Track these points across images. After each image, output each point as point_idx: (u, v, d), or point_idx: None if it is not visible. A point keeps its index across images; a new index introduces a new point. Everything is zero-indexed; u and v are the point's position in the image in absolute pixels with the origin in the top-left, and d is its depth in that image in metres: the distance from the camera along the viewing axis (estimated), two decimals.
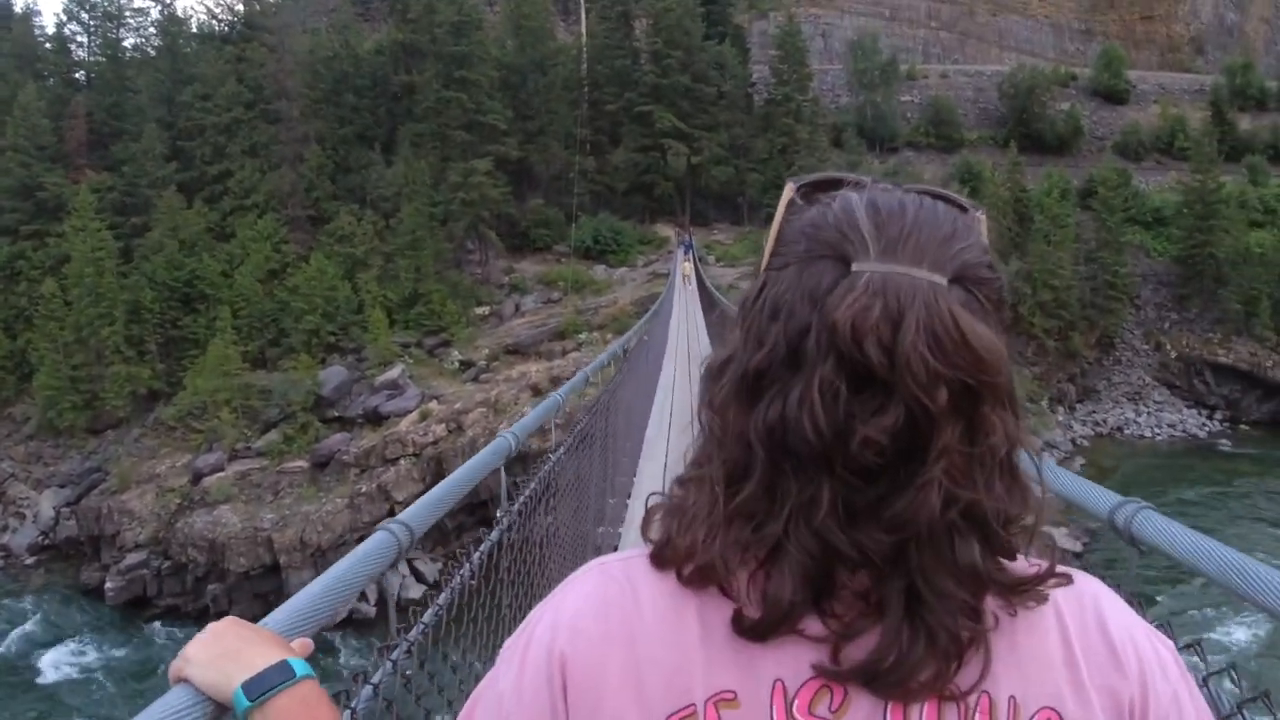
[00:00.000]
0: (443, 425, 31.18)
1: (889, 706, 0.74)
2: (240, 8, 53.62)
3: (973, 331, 0.73)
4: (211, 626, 1.07)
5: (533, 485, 2.98)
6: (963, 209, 0.83)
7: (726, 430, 0.79)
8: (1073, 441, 43.14)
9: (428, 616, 1.82)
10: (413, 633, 1.73)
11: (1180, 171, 55.70)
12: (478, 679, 0.94)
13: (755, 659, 0.76)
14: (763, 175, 50.96)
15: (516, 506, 2.61)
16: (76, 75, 54.26)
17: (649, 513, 0.85)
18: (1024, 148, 56.62)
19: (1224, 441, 45.09)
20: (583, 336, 38.51)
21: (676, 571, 0.79)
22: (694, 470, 0.83)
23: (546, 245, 48.10)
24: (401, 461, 30.01)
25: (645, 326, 13.09)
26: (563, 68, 53.50)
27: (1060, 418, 45.16)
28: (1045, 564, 0.80)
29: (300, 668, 1.00)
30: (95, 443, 37.79)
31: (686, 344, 20.24)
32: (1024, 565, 0.79)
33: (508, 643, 0.86)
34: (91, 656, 25.95)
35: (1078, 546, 26.06)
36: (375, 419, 32.96)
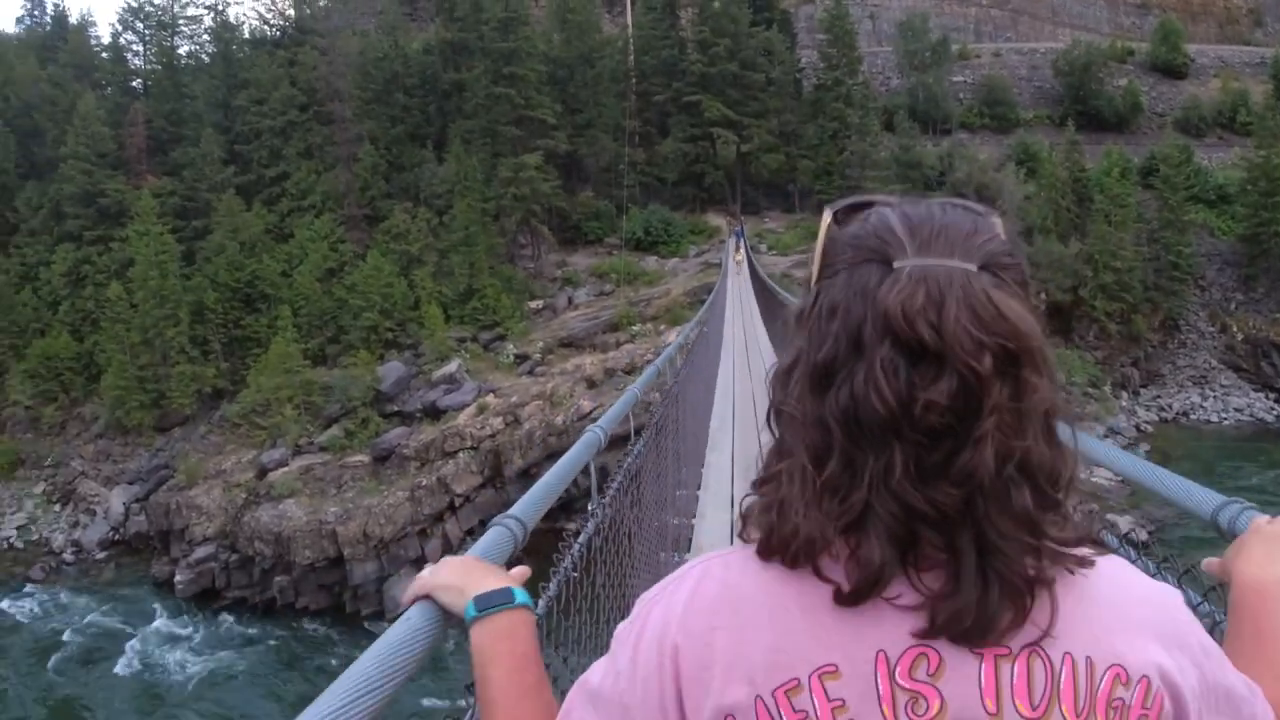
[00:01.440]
0: (500, 418, 31.43)
1: (982, 667, 0.83)
2: (291, 12, 54.52)
3: (1006, 305, 0.84)
4: (448, 559, 1.31)
5: (619, 477, 2.98)
6: (979, 212, 0.95)
7: (805, 420, 0.88)
8: (1136, 427, 42.12)
9: (540, 607, 1.73)
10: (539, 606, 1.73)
11: (1244, 147, 54.12)
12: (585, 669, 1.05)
13: (856, 632, 0.84)
14: (814, 162, 50.51)
15: (608, 498, 2.59)
16: (134, 84, 55.57)
17: (745, 515, 0.94)
18: (1081, 126, 55.36)
19: None
20: (636, 328, 38.52)
21: (780, 556, 0.88)
22: (776, 465, 0.92)
23: (598, 238, 48.18)
24: (460, 455, 30.32)
25: (703, 318, 13.02)
26: (609, 60, 53.47)
27: (1124, 403, 44.19)
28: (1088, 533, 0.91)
29: (520, 596, 1.19)
30: (162, 440, 38.74)
31: (743, 334, 20.04)
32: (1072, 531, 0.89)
33: (620, 630, 0.96)
34: (164, 647, 26.60)
35: (1143, 535, 25.49)
36: (433, 413, 33.32)
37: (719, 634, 0.87)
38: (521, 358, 37.53)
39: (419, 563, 28.06)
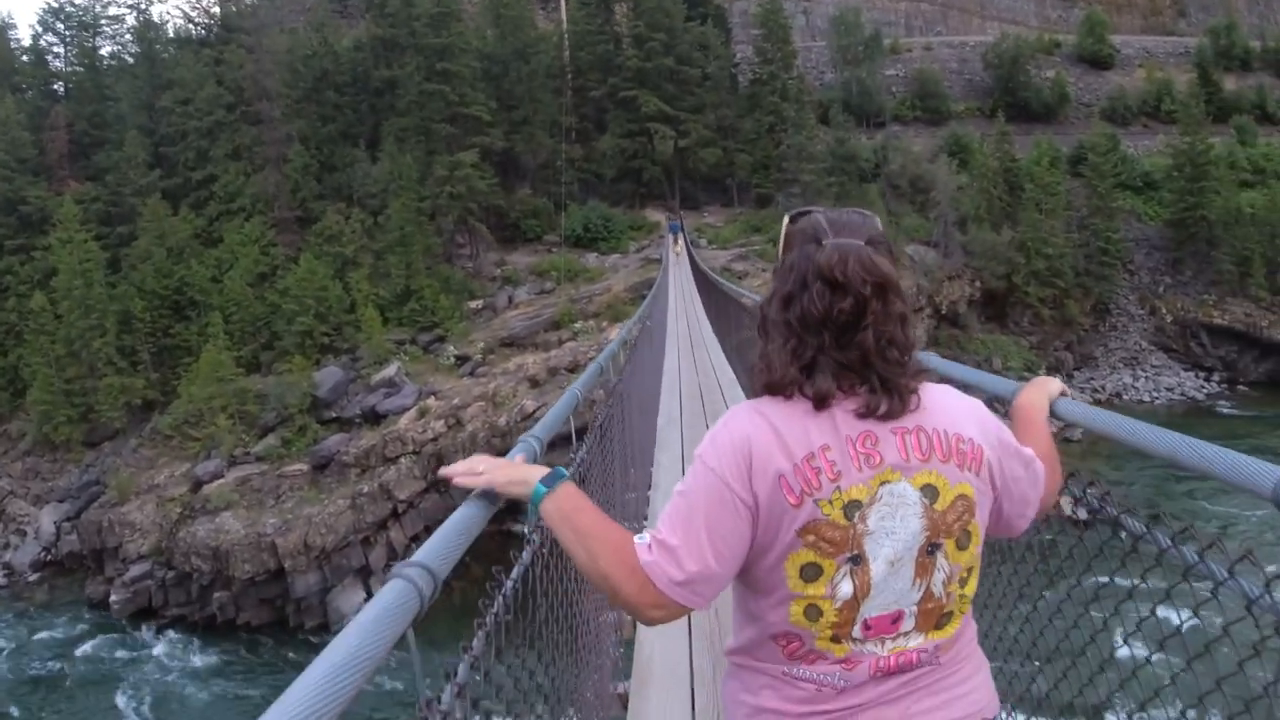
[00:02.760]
0: (442, 421, 31.00)
1: (895, 436, 1.60)
2: (216, 10, 53.09)
3: (879, 261, 1.61)
4: (482, 459, 1.86)
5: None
6: (866, 215, 1.71)
7: (780, 322, 1.66)
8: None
9: (461, 673, 1.55)
10: (444, 698, 1.46)
11: (1169, 135, 55.66)
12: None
13: (832, 424, 1.59)
14: (751, 156, 50.72)
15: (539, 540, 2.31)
16: (55, 86, 53.77)
17: (754, 375, 1.69)
18: (1011, 117, 56.53)
19: (1223, 403, 45.05)
20: (578, 326, 38.30)
21: (778, 393, 1.64)
22: (763, 349, 1.68)
23: (537, 236, 47.79)
24: (402, 460, 29.82)
25: (645, 312, 12.80)
26: (545, 56, 53.08)
27: None
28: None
29: (564, 472, 1.79)
30: (92, 455, 37.57)
31: (688, 329, 19.79)
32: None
33: (701, 449, 1.64)
34: (102, 669, 25.80)
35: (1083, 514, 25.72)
36: (373, 418, 32.75)
37: (767, 434, 1.59)
38: (462, 359, 37.08)
39: (362, 572, 27.57)
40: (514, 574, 1.97)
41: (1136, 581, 2.10)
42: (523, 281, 44.05)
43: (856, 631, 1.60)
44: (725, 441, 1.61)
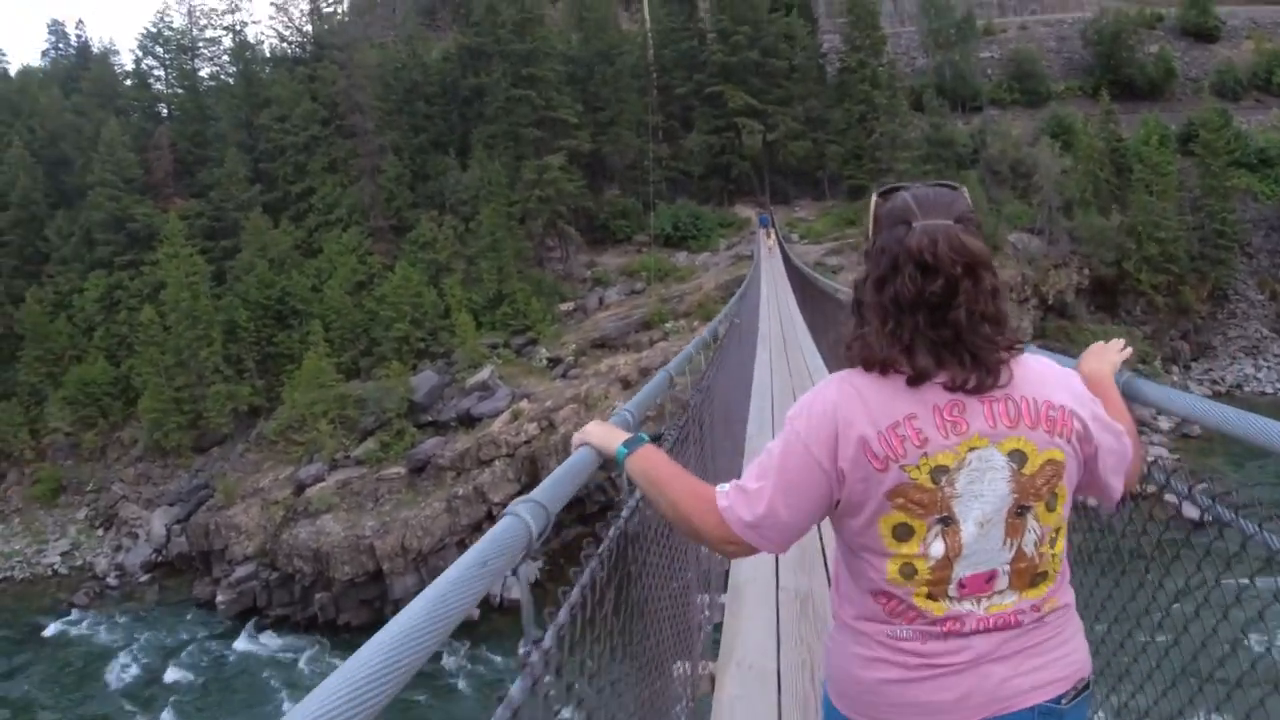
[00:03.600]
0: (535, 424, 30.94)
1: (983, 405, 1.67)
2: (309, 28, 54.37)
3: (968, 241, 1.66)
4: (595, 423, 2.19)
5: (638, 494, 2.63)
6: (956, 190, 1.75)
7: (875, 304, 1.70)
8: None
9: (562, 616, 1.69)
10: (547, 638, 1.57)
11: None
12: (614, 686, 1.97)
13: (921, 397, 1.67)
14: (842, 147, 49.58)
15: (635, 500, 2.45)
16: (158, 108, 55.80)
17: (848, 351, 1.75)
18: (1114, 96, 54.00)
19: None
20: (669, 325, 37.93)
21: (874, 369, 1.70)
22: (859, 332, 1.74)
23: (626, 236, 47.60)
24: (496, 463, 29.85)
25: (734, 309, 12.02)
26: (629, 56, 52.92)
27: (1175, 377, 42.87)
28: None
29: (645, 437, 2.08)
30: (201, 460, 38.75)
31: (780, 327, 18.72)
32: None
33: (791, 413, 1.76)
34: (209, 667, 26.44)
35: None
36: (468, 421, 32.91)
37: (854, 402, 1.68)
38: (554, 361, 37.05)
39: None
40: (603, 546, 2.06)
41: (1244, 581, 2.06)
42: (613, 283, 43.88)
43: (952, 590, 1.70)
44: (812, 408, 1.73)
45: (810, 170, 51.41)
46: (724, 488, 1.81)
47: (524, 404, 32.40)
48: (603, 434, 2.12)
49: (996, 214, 45.20)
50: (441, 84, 51.15)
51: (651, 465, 1.97)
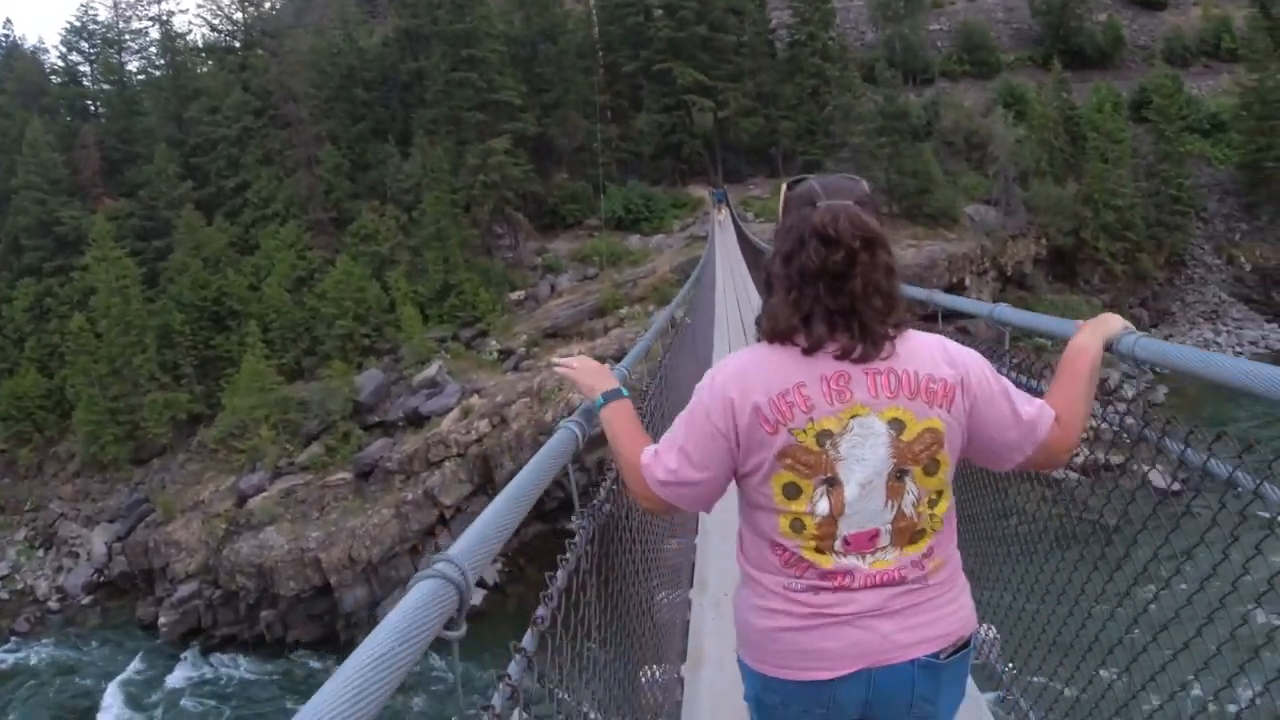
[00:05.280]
0: (485, 420, 29.64)
1: (867, 377, 1.80)
2: (239, 16, 52.22)
3: (866, 218, 1.81)
4: (583, 360, 2.43)
5: (608, 483, 2.59)
6: (855, 180, 1.91)
7: (781, 276, 1.85)
8: (1152, 370, 40.17)
9: (527, 642, 1.65)
10: (525, 640, 1.64)
11: (1233, 73, 52.33)
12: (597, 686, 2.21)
13: (812, 366, 1.81)
14: (795, 122, 48.62)
15: (595, 508, 2.40)
16: (86, 105, 53.43)
17: (759, 322, 1.91)
18: (1065, 65, 53.60)
19: None
20: (624, 311, 36.82)
21: (775, 340, 1.85)
22: (769, 302, 1.89)
23: (577, 220, 46.25)
24: (446, 464, 28.52)
25: (690, 293, 11.19)
26: (574, 34, 51.50)
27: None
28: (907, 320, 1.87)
29: (624, 392, 2.27)
30: (141, 473, 37.02)
31: (738, 309, 17.83)
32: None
33: (699, 384, 1.90)
34: (152, 694, 25.07)
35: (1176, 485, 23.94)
36: (417, 421, 31.55)
37: (751, 372, 1.84)
38: (506, 353, 35.75)
39: None
40: (567, 567, 2.03)
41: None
42: (564, 269, 42.61)
43: (838, 545, 1.83)
44: (715, 379, 1.89)
45: (763, 147, 50.39)
46: (649, 448, 2.01)
47: (474, 400, 31.09)
48: (590, 379, 2.33)
49: (952, 186, 44.60)
50: (380, 69, 49.40)
51: (616, 418, 2.20)
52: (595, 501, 2.42)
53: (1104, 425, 2.56)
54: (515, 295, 40.86)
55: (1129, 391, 35.55)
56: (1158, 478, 2.49)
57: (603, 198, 45.40)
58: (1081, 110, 49.63)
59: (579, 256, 43.11)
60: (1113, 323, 2.31)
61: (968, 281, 40.08)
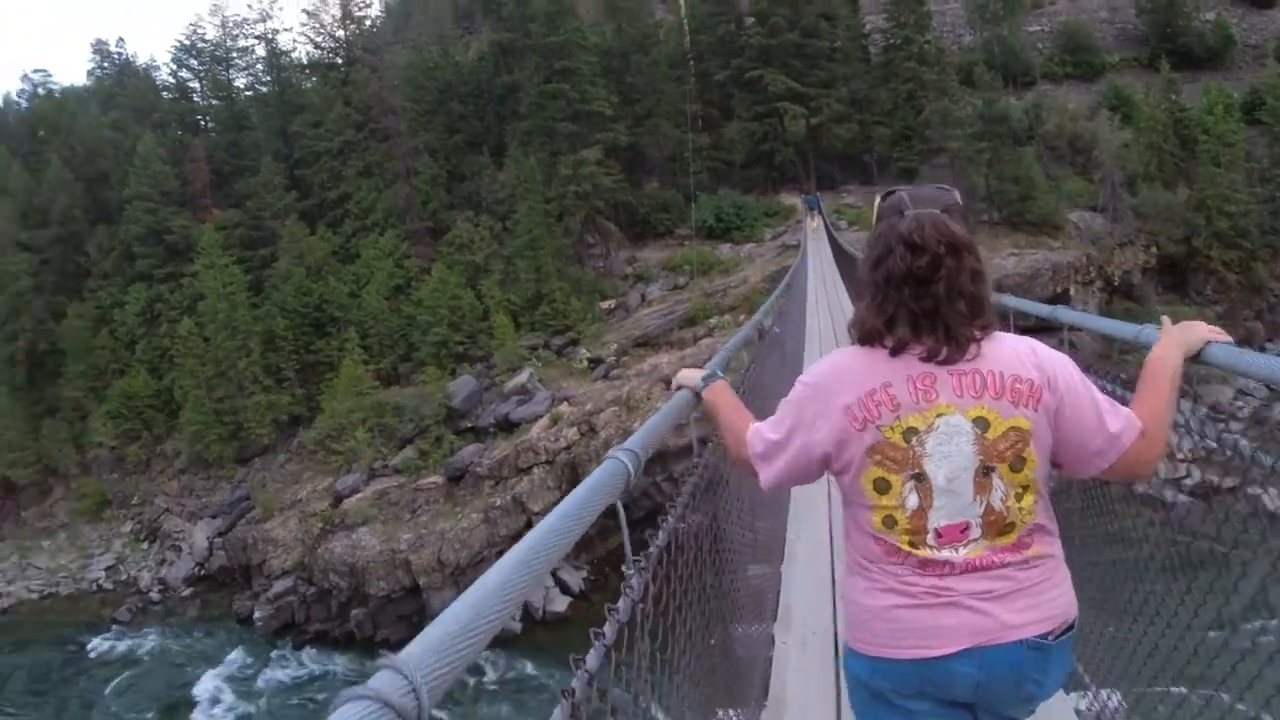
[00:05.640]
0: (574, 429, 29.71)
1: (951, 377, 1.88)
2: (340, 33, 53.80)
3: (952, 226, 1.91)
4: (685, 370, 2.70)
5: (690, 484, 2.53)
6: (946, 190, 2.02)
7: (869, 281, 1.95)
8: (1268, 387, 38.22)
9: (608, 631, 1.54)
10: (606, 628, 1.53)
11: None
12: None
13: (896, 367, 1.90)
14: (890, 128, 47.70)
15: (679, 509, 2.32)
16: (195, 120, 55.68)
17: (851, 327, 2.00)
18: (1172, 65, 51.37)
19: None
20: (713, 321, 36.58)
21: (865, 342, 1.95)
22: (858, 305, 2.00)
23: (668, 230, 46.21)
24: (535, 470, 28.63)
25: (780, 301, 10.67)
26: (665, 44, 51.63)
27: None
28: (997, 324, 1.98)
29: (722, 374, 2.61)
30: (243, 472, 38.33)
31: (830, 319, 16.99)
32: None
33: (799, 378, 2.03)
34: (244, 686, 25.74)
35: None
36: (507, 427, 31.83)
37: (843, 373, 1.95)
38: (595, 361, 35.86)
39: None
40: (655, 545, 2.01)
41: None
42: (655, 278, 42.59)
43: (930, 539, 1.91)
44: (810, 379, 2.01)
45: (857, 154, 49.60)
46: (755, 424, 2.18)
47: (564, 407, 31.23)
48: (691, 373, 2.64)
49: (1056, 192, 43.13)
50: (475, 83, 50.34)
51: (717, 396, 2.45)
52: (680, 506, 2.32)
53: (1215, 446, 2.42)
54: (606, 304, 41.01)
55: (1244, 410, 33.89)
56: (1271, 501, 2.43)
57: (694, 206, 45.26)
58: (1191, 112, 47.46)
59: (669, 266, 43.04)
60: (1195, 330, 2.27)
61: (1072, 291, 38.62)
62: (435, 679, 0.88)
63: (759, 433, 2.10)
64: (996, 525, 1.90)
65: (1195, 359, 2.24)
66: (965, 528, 1.89)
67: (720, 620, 2.97)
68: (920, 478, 1.88)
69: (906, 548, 1.90)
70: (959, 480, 1.88)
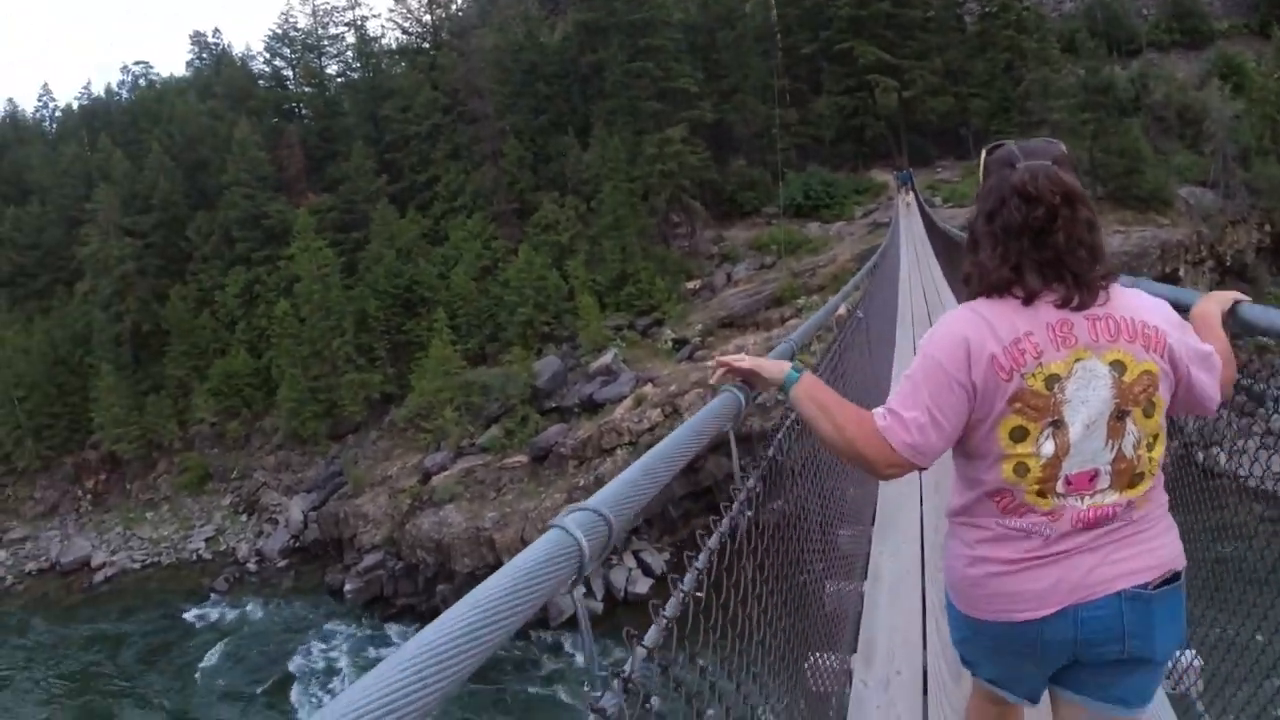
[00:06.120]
0: (658, 410, 29.52)
1: (1087, 322, 1.87)
2: (427, 18, 54.35)
3: (1065, 177, 1.89)
4: (744, 355, 2.37)
5: (764, 464, 2.44)
6: (1053, 142, 1.99)
7: (986, 233, 1.94)
8: None
9: (669, 609, 1.52)
10: (649, 637, 1.43)
11: None
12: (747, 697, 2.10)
13: (1035, 315, 1.88)
14: (987, 100, 45.96)
15: (749, 485, 2.24)
16: (290, 107, 57.01)
17: (967, 280, 2.01)
18: None
19: None
20: (801, 301, 35.91)
21: (991, 293, 1.93)
22: (973, 259, 1.98)
23: (754, 208, 45.47)
24: (618, 451, 28.56)
25: (864, 282, 9.95)
26: (751, 18, 50.67)
27: None
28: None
29: (805, 369, 2.27)
30: (337, 448, 39.30)
31: (925, 303, 16.20)
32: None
33: (923, 342, 1.96)
34: (333, 657, 26.41)
35: None
36: (591, 407, 31.85)
37: (980, 324, 1.89)
38: (680, 342, 35.60)
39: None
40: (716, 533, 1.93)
41: None
42: (741, 258, 42.02)
43: (1059, 487, 1.90)
44: (944, 335, 1.93)
45: (952, 127, 47.98)
46: (879, 411, 1.97)
47: (648, 389, 31.06)
48: (766, 364, 2.30)
49: (1164, 166, 41.04)
50: (560, 64, 50.24)
51: (819, 389, 2.15)
52: (752, 481, 2.26)
53: None
54: (691, 284, 40.65)
55: None
56: None
57: (781, 184, 44.46)
58: None
59: (756, 245, 42.39)
60: (1227, 295, 2.41)
61: (1182, 272, 36.72)
62: (619, 512, 1.28)
63: (896, 417, 1.92)
64: (1126, 475, 1.90)
65: (1230, 314, 2.37)
66: (1094, 475, 1.89)
67: (809, 578, 2.86)
68: (1058, 424, 1.88)
69: (1032, 499, 1.90)
70: (1095, 425, 1.88)
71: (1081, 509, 1.88)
